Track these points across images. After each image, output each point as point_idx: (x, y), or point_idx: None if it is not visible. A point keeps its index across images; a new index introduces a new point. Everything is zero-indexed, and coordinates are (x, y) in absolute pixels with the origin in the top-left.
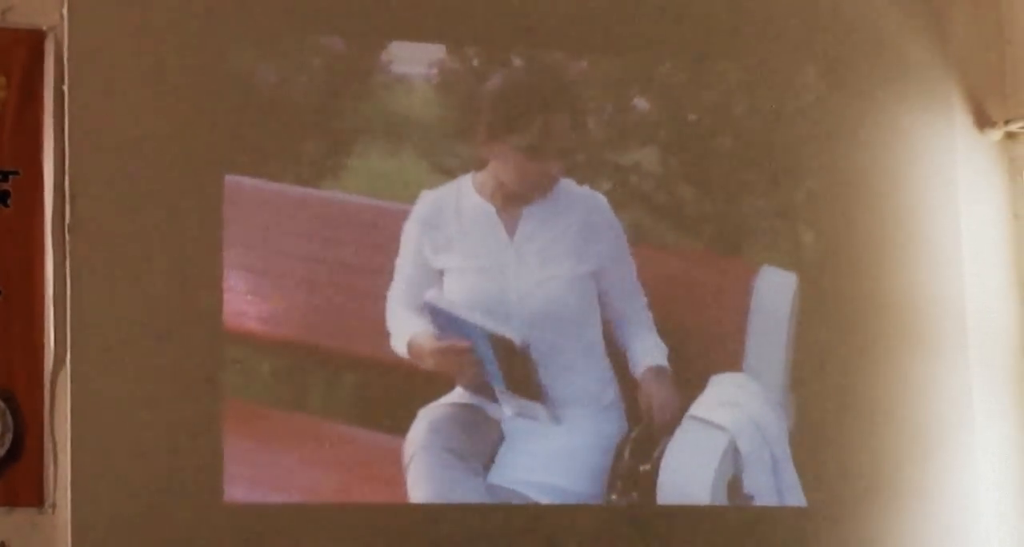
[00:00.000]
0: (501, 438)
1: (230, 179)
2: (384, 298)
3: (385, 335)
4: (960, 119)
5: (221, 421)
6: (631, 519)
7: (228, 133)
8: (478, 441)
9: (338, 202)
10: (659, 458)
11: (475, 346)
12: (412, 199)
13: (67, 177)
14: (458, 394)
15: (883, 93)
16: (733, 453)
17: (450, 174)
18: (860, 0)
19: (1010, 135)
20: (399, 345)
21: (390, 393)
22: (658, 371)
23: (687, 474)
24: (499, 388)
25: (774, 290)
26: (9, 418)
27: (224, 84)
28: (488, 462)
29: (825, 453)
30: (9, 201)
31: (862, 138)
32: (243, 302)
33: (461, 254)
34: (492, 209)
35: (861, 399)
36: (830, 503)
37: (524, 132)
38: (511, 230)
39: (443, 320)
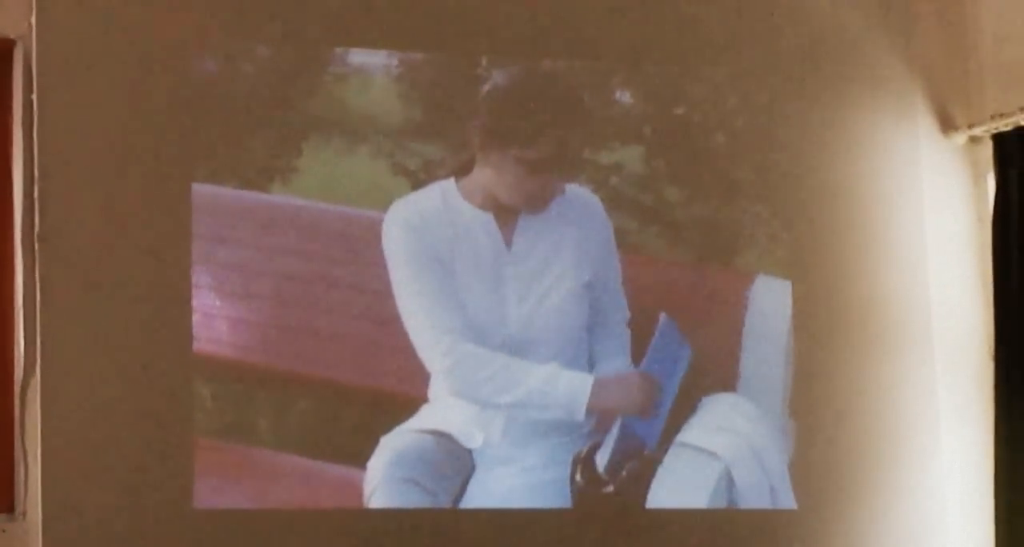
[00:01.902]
0: (472, 467)
1: (197, 187)
2: (343, 313)
3: (358, 357)
4: (924, 123)
5: (191, 429)
6: (612, 522)
7: (197, 141)
8: (446, 472)
9: (288, 207)
10: (631, 480)
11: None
12: (370, 204)
13: (36, 186)
14: (425, 418)
15: (847, 97)
16: (727, 483)
17: (411, 176)
18: (824, 5)
19: (974, 139)
20: (465, 379)
21: (346, 420)
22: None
23: (676, 505)
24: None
25: (771, 301)
26: None
27: (194, 92)
28: (458, 494)
29: (791, 454)
30: None
31: (826, 142)
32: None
33: (459, 266)
34: (490, 218)
35: (826, 401)
36: (797, 503)
37: (529, 145)
38: (508, 240)
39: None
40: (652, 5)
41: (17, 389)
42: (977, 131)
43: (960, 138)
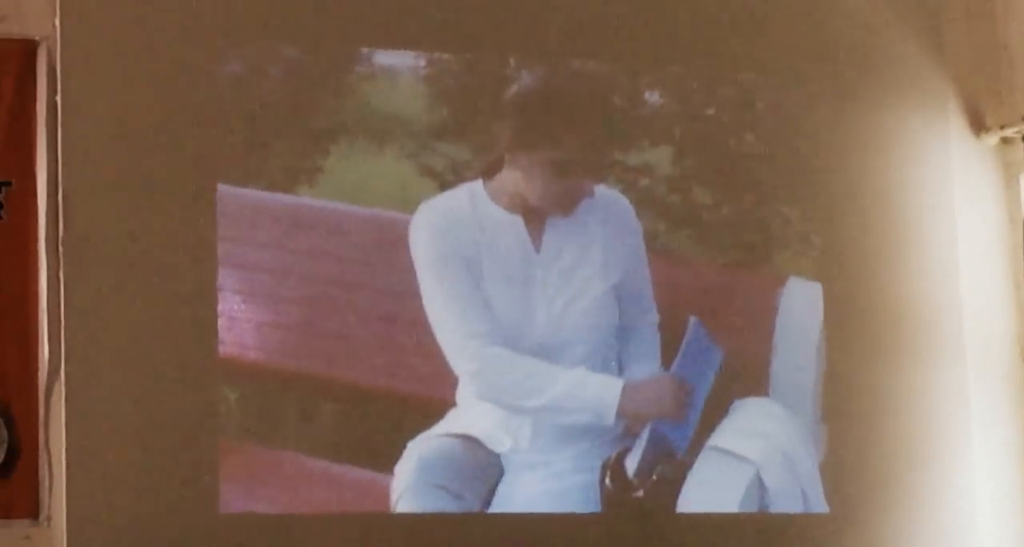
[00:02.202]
0: (501, 472)
1: (223, 188)
2: (370, 316)
3: (386, 361)
4: (956, 124)
5: (217, 433)
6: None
7: (223, 142)
8: (474, 476)
9: (313, 209)
10: (661, 484)
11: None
12: (397, 206)
13: (60, 188)
14: (453, 422)
15: (879, 98)
16: (759, 487)
17: (438, 178)
18: (856, 6)
19: (1006, 140)
20: (493, 383)
21: (374, 424)
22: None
23: (707, 509)
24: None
25: (802, 304)
26: (4, 431)
27: (220, 93)
28: (486, 499)
29: (823, 459)
30: (2, 212)
31: (857, 144)
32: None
33: (487, 269)
34: (518, 220)
35: (858, 404)
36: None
37: (557, 146)
38: (537, 242)
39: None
40: (680, 6)
41: (41, 393)
42: (1009, 132)
43: (992, 139)
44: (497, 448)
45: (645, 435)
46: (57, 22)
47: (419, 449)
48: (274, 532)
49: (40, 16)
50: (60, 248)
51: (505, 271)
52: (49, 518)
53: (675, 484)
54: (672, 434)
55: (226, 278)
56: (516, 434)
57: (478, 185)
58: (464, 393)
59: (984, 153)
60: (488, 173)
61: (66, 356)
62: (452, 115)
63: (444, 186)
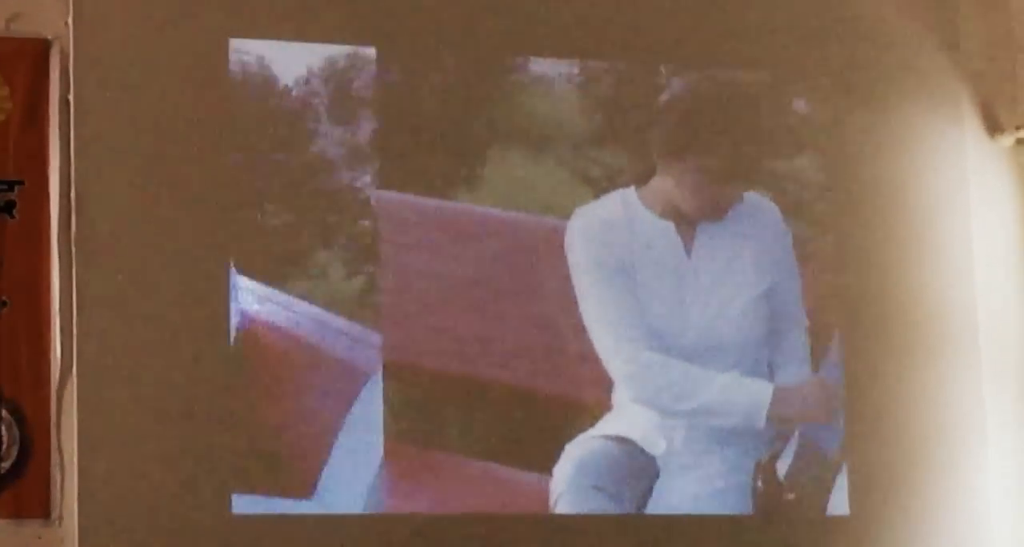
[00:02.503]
0: (656, 474)
1: (379, 194)
2: (528, 320)
3: (543, 364)
4: (971, 125)
5: (229, 432)
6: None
7: (234, 140)
8: (631, 478)
9: (473, 215)
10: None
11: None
12: (553, 212)
13: (73, 187)
14: (610, 425)
15: (894, 100)
16: None
17: (593, 184)
18: (871, 7)
19: (1021, 141)
20: (647, 386)
21: (532, 426)
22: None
23: None
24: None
25: None
26: (16, 431)
27: (225, 91)
28: (643, 501)
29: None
30: (15, 212)
31: (873, 144)
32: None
33: (641, 274)
34: (670, 226)
35: (872, 405)
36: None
37: (708, 153)
38: (688, 247)
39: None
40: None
41: (53, 392)
42: None
43: (1007, 140)
44: (652, 450)
45: (796, 438)
46: (70, 21)
47: (577, 451)
48: (288, 532)
49: (53, 15)
50: (72, 247)
51: (658, 276)
52: (60, 518)
53: (826, 486)
54: (822, 437)
55: (388, 281)
56: (670, 436)
57: (631, 191)
58: (619, 396)
59: (999, 154)
60: (641, 180)
61: (78, 356)
62: (605, 122)
63: (598, 192)
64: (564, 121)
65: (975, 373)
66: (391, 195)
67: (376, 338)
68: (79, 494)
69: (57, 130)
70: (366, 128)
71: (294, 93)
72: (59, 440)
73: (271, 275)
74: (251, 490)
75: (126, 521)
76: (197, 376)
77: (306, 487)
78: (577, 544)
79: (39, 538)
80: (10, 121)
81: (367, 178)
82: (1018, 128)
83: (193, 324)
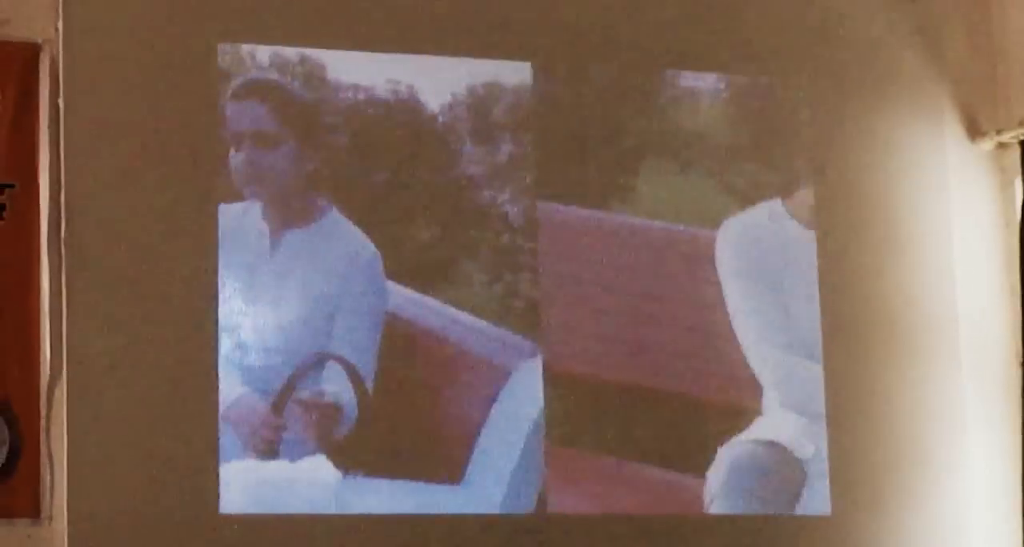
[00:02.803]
0: (804, 477)
1: (543, 205)
2: (681, 328)
3: (697, 370)
4: (952, 129)
5: (217, 433)
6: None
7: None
8: (782, 481)
9: (628, 225)
10: None
11: None
12: (702, 222)
13: (63, 190)
14: (760, 429)
15: (876, 104)
16: None
17: (740, 195)
18: (853, 10)
19: (1002, 145)
20: (794, 391)
21: (686, 430)
22: None
23: None
24: None
25: None
26: (5, 431)
27: (210, 91)
28: (792, 503)
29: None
30: (5, 214)
31: (854, 147)
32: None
33: (787, 282)
34: (813, 235)
35: (854, 408)
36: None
37: None
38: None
39: None
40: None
41: (43, 393)
42: (1005, 137)
43: (987, 144)
44: (801, 454)
45: None
46: (60, 25)
47: (730, 454)
48: (275, 532)
49: (43, 19)
50: (62, 249)
51: (803, 284)
52: (50, 518)
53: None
54: None
55: (546, 290)
56: (817, 441)
57: (777, 203)
58: (769, 401)
59: (980, 158)
60: (786, 191)
61: (68, 357)
62: (752, 136)
63: (745, 204)
64: (712, 134)
65: (955, 374)
66: (549, 206)
67: (516, 340)
68: (68, 494)
69: (47, 134)
70: (505, 149)
71: (440, 119)
72: (49, 440)
73: (420, 282)
74: None
75: (115, 521)
76: (185, 376)
77: (455, 474)
78: (729, 544)
79: (28, 537)
80: (1, 124)
81: (506, 195)
82: (998, 132)
83: (181, 325)
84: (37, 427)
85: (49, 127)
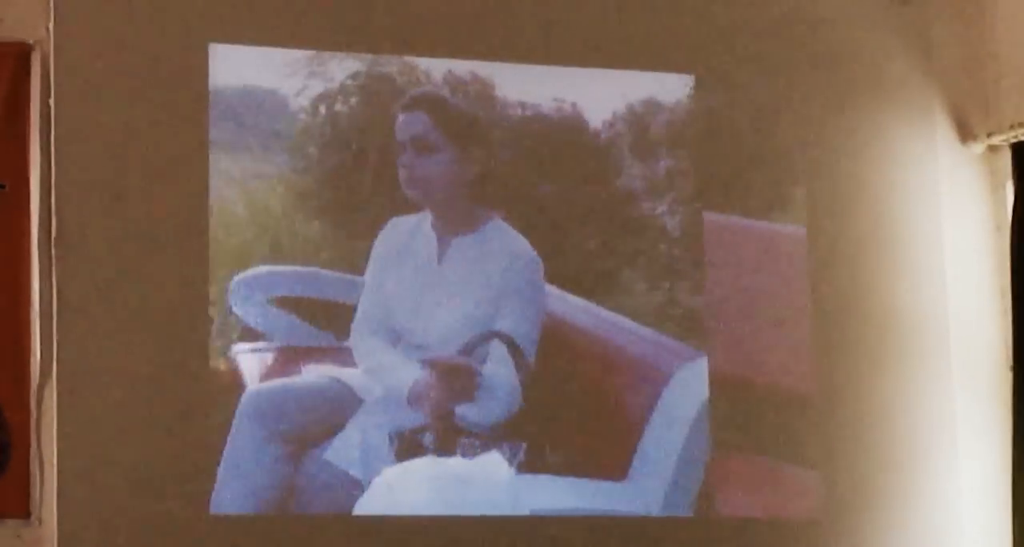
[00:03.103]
0: None
1: (708, 216)
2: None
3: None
4: (943, 132)
5: (207, 432)
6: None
7: (219, 145)
8: None
9: (789, 234)
10: None
11: None
12: None
13: (53, 191)
14: None
15: (868, 106)
16: None
17: None
18: (844, 14)
19: (992, 148)
20: None
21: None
22: None
23: None
24: None
25: None
26: None
27: (202, 92)
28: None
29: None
30: None
31: (845, 151)
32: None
33: None
34: None
35: (845, 411)
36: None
37: None
38: None
39: None
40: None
41: (33, 393)
42: (996, 140)
43: (978, 147)
44: None
45: None
46: (51, 26)
47: None
48: (265, 532)
49: (34, 20)
50: (53, 250)
51: None
52: (40, 518)
53: None
54: None
55: (712, 299)
56: None
57: None
58: None
59: (971, 161)
60: None
61: (58, 357)
62: None
63: None
64: None
65: (946, 379)
66: (715, 216)
67: (676, 345)
68: (59, 494)
69: (38, 134)
70: (662, 165)
71: (603, 135)
72: (39, 441)
73: (582, 288)
74: None
75: (105, 521)
76: (175, 378)
77: (620, 471)
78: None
79: (19, 538)
80: None
81: (664, 207)
82: (989, 135)
83: (172, 327)
84: (27, 428)
85: (40, 127)
